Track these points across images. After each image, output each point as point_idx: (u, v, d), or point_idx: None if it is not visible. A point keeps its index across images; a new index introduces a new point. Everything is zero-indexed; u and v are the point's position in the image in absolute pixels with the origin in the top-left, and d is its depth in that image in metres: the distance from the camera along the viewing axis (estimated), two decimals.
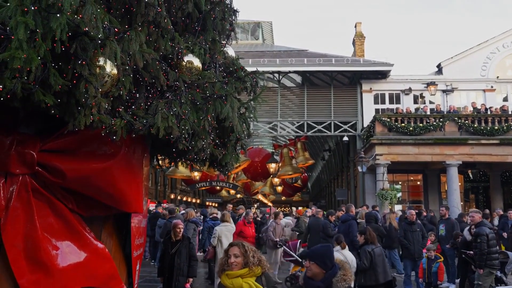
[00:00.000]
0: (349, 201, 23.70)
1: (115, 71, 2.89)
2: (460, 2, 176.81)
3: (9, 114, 3.08)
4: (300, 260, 8.77)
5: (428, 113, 20.14)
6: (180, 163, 4.53)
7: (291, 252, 9.42)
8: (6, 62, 2.36)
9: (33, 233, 3.08)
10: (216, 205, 31.10)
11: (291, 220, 13.97)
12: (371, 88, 22.69)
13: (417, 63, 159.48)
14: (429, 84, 21.73)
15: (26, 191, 3.12)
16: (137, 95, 3.33)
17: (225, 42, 4.44)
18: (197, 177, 21.32)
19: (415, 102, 22.54)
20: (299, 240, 10.46)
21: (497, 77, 22.42)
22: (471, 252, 7.75)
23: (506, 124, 18.24)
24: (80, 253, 3.28)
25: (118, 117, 3.08)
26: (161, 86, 3.41)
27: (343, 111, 22.68)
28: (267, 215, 16.52)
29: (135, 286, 4.17)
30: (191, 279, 6.80)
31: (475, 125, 18.33)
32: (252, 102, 4.36)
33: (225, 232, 8.84)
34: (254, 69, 4.82)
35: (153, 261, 12.44)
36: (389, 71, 22.21)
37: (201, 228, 12.15)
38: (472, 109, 20.44)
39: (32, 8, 2.43)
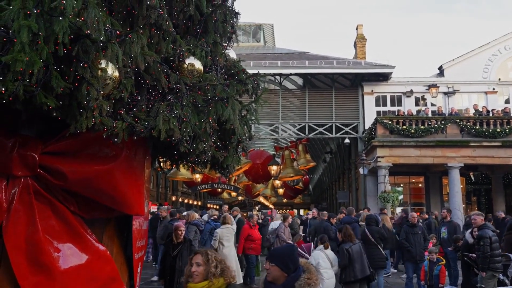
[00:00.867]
0: (351, 204, 23.66)
1: (116, 73, 2.90)
2: (461, 4, 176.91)
3: (11, 116, 3.09)
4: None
5: (430, 115, 20.15)
6: (181, 166, 4.53)
7: (305, 254, 9.41)
8: (9, 65, 2.37)
9: (34, 235, 3.08)
10: (218, 207, 31.07)
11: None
12: (372, 90, 22.69)
13: (419, 65, 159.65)
14: (430, 86, 21.71)
15: (28, 193, 3.12)
16: (139, 98, 3.34)
17: (226, 44, 4.44)
18: (199, 180, 21.33)
19: (417, 104, 22.53)
20: (311, 243, 10.48)
21: (499, 79, 22.39)
22: (474, 255, 7.73)
23: (508, 127, 18.21)
24: (81, 255, 3.28)
25: (119, 119, 3.08)
26: (162, 89, 3.41)
27: (344, 113, 22.68)
28: (269, 217, 16.52)
29: None
30: None
31: (477, 127, 18.30)
32: (253, 105, 4.35)
33: (226, 234, 8.84)
34: (255, 71, 4.83)
35: (154, 263, 12.44)
36: (391, 73, 22.22)
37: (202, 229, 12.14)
38: (474, 111, 20.42)
39: (35, 11, 2.44)
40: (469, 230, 8.53)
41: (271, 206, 36.06)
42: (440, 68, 23.01)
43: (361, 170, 19.51)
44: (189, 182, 22.53)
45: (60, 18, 2.46)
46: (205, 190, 24.00)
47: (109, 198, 3.40)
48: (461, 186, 19.67)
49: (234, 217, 12.21)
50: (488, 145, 18.22)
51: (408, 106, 22.06)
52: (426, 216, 14.86)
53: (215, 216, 11.89)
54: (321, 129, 22.57)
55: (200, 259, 3.02)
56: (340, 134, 22.65)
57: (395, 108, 22.18)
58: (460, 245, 8.93)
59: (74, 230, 3.28)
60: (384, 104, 22.80)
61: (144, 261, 5.07)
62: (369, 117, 21.76)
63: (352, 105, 22.77)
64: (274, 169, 22.91)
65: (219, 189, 24.16)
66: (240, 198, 33.23)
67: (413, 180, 22.90)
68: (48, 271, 3.09)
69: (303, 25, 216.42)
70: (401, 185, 22.52)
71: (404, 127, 18.63)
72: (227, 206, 15.75)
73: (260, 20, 52.52)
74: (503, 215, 14.02)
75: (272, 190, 30.18)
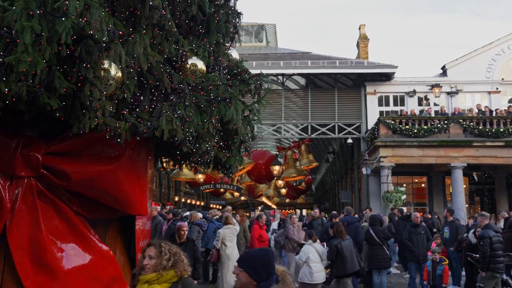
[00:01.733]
0: (353, 204, 23.63)
1: (119, 74, 2.90)
2: (464, 5, 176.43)
3: (14, 117, 3.10)
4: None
5: (433, 115, 20.06)
6: (184, 166, 4.53)
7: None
8: (12, 66, 2.37)
9: (38, 235, 3.09)
10: (220, 207, 31.10)
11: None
12: (375, 90, 22.63)
13: (422, 65, 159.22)
14: (433, 86, 21.64)
15: (31, 193, 3.13)
16: (142, 98, 3.34)
17: (229, 44, 4.45)
18: (201, 180, 21.34)
19: (420, 104, 22.45)
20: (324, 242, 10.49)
21: (502, 79, 22.29)
22: (477, 255, 7.71)
23: (511, 126, 18.14)
24: (85, 255, 3.28)
25: (122, 120, 3.09)
26: (165, 89, 3.42)
27: (347, 113, 22.64)
28: (271, 218, 16.52)
29: None
30: (195, 282, 6.81)
31: (480, 127, 18.23)
32: (256, 105, 4.36)
33: (229, 234, 8.83)
34: (258, 71, 4.84)
35: None
36: (393, 73, 22.16)
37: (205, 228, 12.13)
38: (477, 111, 20.34)
39: (38, 12, 2.45)
40: (472, 230, 8.52)
41: (273, 206, 36.05)
42: (443, 68, 22.92)
43: (364, 170, 19.47)
44: (192, 182, 22.54)
45: (63, 18, 2.47)
46: (207, 190, 23.99)
47: (112, 198, 3.41)
48: (464, 186, 19.59)
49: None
50: (491, 145, 18.14)
51: (411, 106, 21.99)
52: (429, 215, 14.82)
53: (217, 216, 11.89)
54: (323, 129, 22.54)
55: (153, 251, 2.94)
56: (343, 134, 22.61)
57: (398, 108, 22.12)
58: (464, 246, 8.91)
59: (77, 230, 3.29)
60: (387, 104, 22.74)
61: None
62: (372, 117, 21.71)
63: (355, 105, 22.73)
64: (276, 169, 22.88)
65: (222, 189, 24.15)
66: (242, 198, 33.24)
67: (416, 180, 22.82)
68: (52, 271, 3.09)
69: (306, 25, 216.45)
70: (404, 185, 22.44)
71: (407, 127, 18.57)
72: (230, 207, 15.75)
73: (263, 20, 52.54)
74: (506, 215, 13.99)
75: (275, 190, 30.18)
